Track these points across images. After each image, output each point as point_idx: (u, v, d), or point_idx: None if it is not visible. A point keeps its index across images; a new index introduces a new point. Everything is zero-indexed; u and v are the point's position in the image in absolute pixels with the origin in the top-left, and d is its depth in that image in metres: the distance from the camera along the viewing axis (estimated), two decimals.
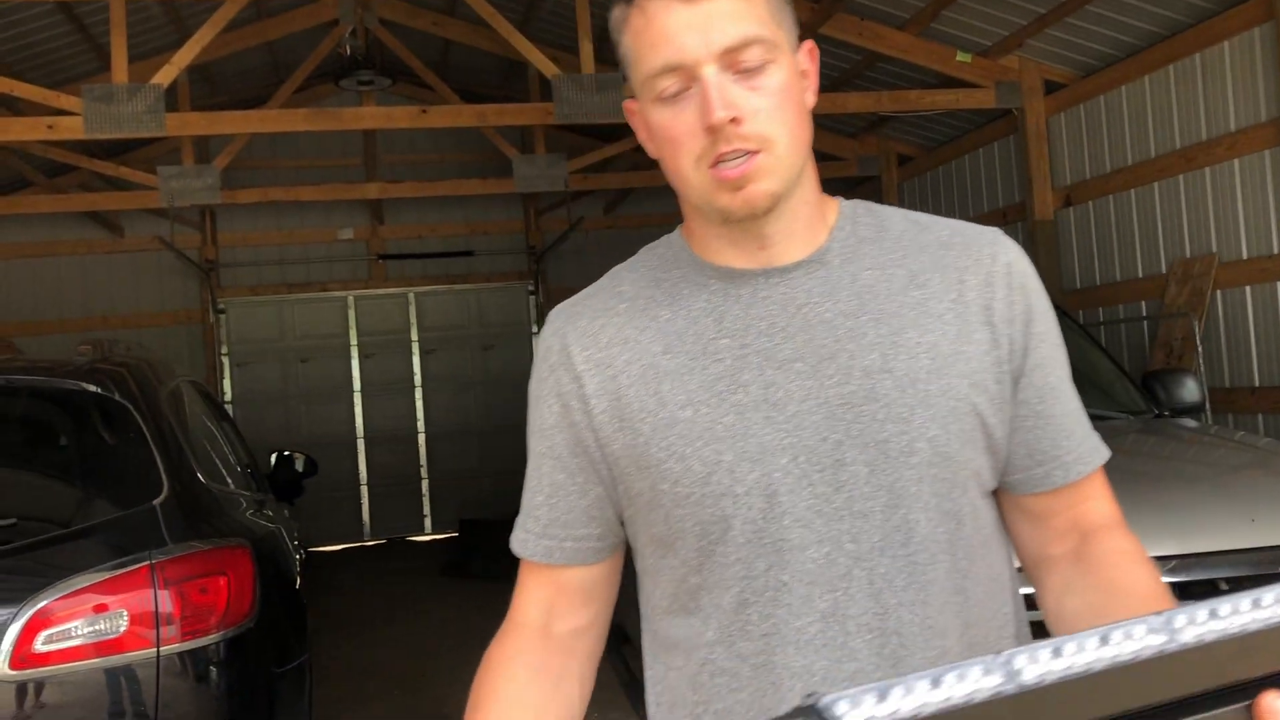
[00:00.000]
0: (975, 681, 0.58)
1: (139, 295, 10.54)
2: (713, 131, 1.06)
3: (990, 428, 1.13)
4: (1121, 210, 6.78)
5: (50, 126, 6.31)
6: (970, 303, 1.14)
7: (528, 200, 10.98)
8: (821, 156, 9.55)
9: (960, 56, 7.10)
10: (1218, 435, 4.32)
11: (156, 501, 2.92)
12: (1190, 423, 4.33)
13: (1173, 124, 6.25)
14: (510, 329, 11.31)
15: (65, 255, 10.36)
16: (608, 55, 8.65)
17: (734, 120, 1.06)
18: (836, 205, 1.21)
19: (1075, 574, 1.15)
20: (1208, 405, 5.55)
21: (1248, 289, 5.80)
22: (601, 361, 1.17)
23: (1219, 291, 5.99)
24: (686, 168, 1.10)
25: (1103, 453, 1.20)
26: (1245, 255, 5.80)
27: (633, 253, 1.27)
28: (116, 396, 3.14)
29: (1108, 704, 0.59)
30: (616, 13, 1.14)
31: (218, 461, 3.85)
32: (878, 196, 9.26)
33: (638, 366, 1.15)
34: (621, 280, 1.23)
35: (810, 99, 1.15)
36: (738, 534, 1.10)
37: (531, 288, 11.26)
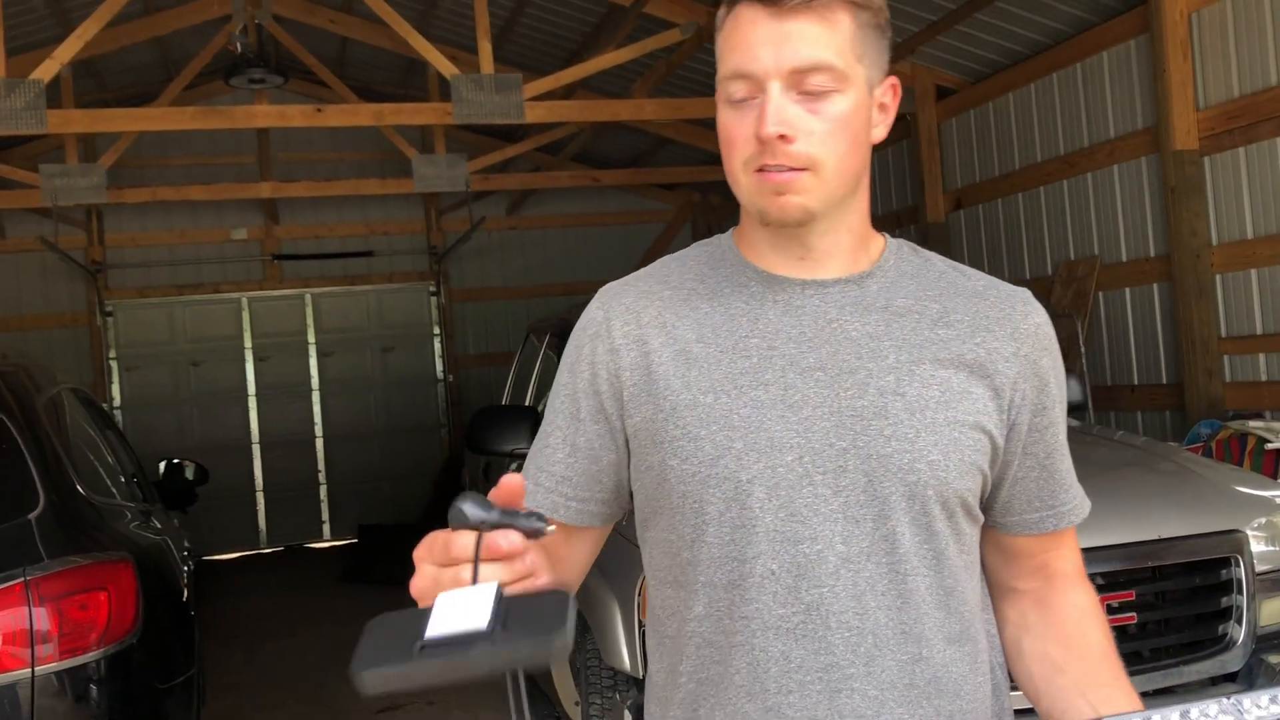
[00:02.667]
0: None
1: (21, 298, 10.16)
2: (761, 142, 1.13)
3: (983, 465, 1.22)
4: (1010, 213, 6.97)
5: None
6: (991, 350, 1.23)
7: (429, 200, 10.86)
8: (716, 160, 9.64)
9: None
10: (1099, 435, 4.48)
11: (32, 515, 2.82)
12: (1073, 422, 4.47)
13: (1057, 130, 6.45)
14: (411, 330, 11.17)
15: None
16: (506, 55, 8.62)
17: (783, 137, 1.12)
18: (883, 240, 1.29)
19: (1036, 617, 1.30)
20: (1090, 405, 5.74)
21: (1127, 290, 6.01)
22: (639, 338, 1.25)
23: (1100, 293, 6.20)
24: (736, 168, 1.18)
25: (1087, 506, 1.32)
26: (1124, 258, 6.02)
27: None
28: None
29: None
30: (720, 11, 1.21)
31: (101, 471, 3.74)
32: None
33: (670, 350, 1.23)
34: (669, 269, 1.31)
35: (880, 133, 1.22)
36: (735, 517, 1.18)
37: (433, 288, 11.14)
